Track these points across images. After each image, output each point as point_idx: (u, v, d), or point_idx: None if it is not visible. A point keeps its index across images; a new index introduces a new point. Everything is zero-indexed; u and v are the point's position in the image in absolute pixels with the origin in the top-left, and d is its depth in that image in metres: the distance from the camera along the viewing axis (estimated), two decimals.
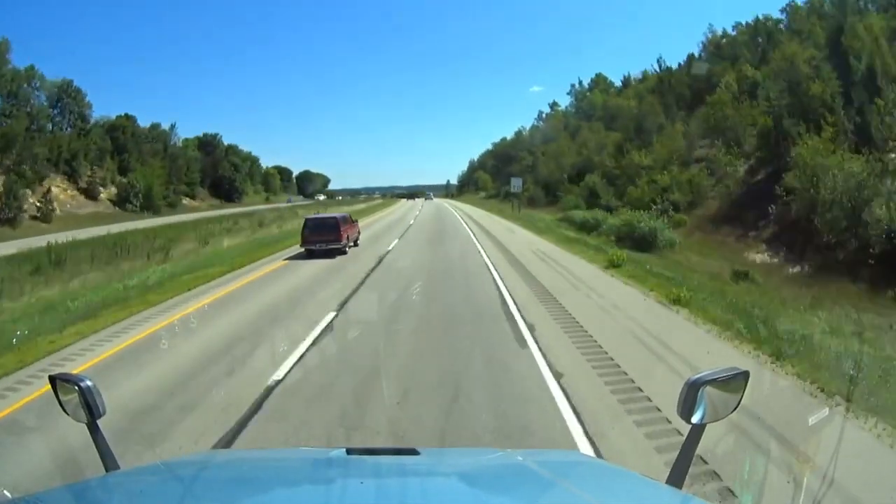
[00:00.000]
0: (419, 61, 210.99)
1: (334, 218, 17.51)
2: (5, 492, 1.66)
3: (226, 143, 79.98)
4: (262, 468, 1.55)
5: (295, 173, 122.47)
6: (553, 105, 70.39)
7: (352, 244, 18.09)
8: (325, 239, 16.41)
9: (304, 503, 1.21)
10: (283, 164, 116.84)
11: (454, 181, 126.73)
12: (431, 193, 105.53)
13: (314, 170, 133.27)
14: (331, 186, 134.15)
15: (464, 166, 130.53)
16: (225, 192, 72.95)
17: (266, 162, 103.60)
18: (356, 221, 20.50)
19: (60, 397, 1.54)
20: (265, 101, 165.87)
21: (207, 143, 76.75)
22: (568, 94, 62.90)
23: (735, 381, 1.41)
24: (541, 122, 71.03)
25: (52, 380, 1.57)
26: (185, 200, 61.04)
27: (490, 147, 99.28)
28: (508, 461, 1.66)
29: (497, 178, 76.51)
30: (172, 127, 65.38)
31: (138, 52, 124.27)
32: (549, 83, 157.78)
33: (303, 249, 16.61)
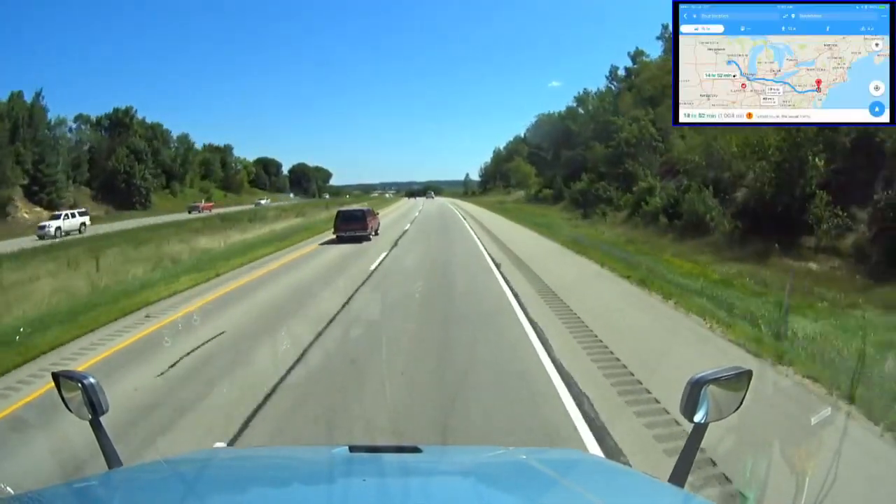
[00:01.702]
0: (435, 56, 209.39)
1: (362, 211, 21.31)
2: (8, 488, 1.66)
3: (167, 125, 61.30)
4: (264, 466, 1.56)
5: (288, 167, 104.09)
6: (637, 55, 44.32)
7: (373, 233, 20.89)
8: (353, 227, 19.56)
9: (307, 501, 1.21)
10: (273, 157, 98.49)
11: (475, 176, 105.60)
12: (432, 192, 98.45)
13: (319, 164, 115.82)
14: (341, 182, 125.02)
15: (485, 160, 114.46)
16: (121, 193, 49.22)
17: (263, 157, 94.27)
18: (377, 214, 24.46)
19: (63, 395, 1.53)
20: (269, 96, 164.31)
21: (118, 123, 52.49)
22: (658, 38, 40.35)
23: (738, 380, 1.41)
24: (614, 83, 46.38)
25: (56, 377, 1.56)
26: (27, 211, 39.19)
27: (532, 123, 69.28)
28: (511, 459, 1.66)
29: (548, 169, 51.95)
30: (37, 96, 44.14)
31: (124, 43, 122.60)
32: (569, 78, 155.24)
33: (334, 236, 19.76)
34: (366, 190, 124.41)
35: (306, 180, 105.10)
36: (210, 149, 77.08)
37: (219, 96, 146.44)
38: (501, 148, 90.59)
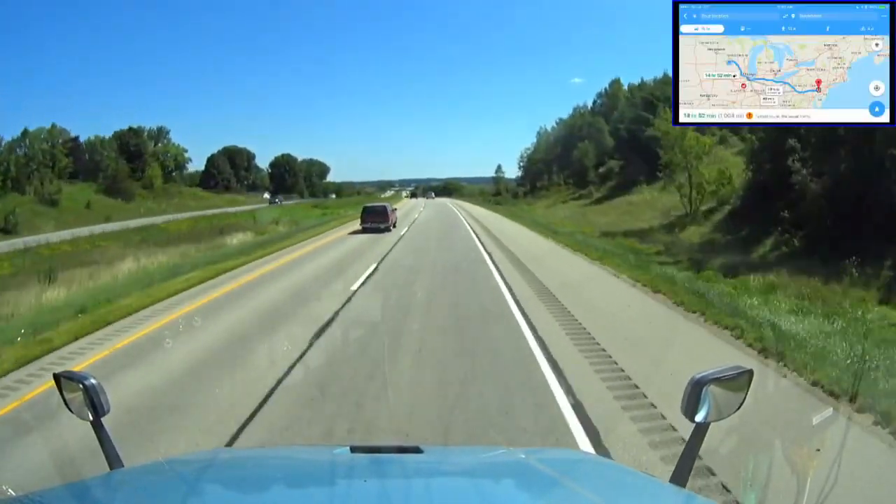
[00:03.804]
0: (453, 52, 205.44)
1: (383, 206, 25.52)
2: (9, 490, 1.67)
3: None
4: (265, 466, 1.56)
5: (269, 160, 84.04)
6: None
7: (392, 226, 24.78)
8: (376, 220, 23.93)
9: (308, 502, 1.22)
10: (243, 147, 77.41)
11: (511, 169, 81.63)
12: (432, 192, 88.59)
13: (314, 157, 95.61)
14: (353, 179, 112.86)
15: (512, 154, 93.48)
16: None
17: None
18: (396, 209, 28.79)
19: (65, 395, 1.53)
20: (268, 92, 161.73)
21: None
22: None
23: (739, 380, 1.41)
24: None
25: (57, 378, 1.57)
26: None
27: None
28: (511, 459, 1.66)
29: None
30: None
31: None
32: (590, 74, 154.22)
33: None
34: (382, 187, 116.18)
35: (292, 176, 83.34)
36: (120, 135, 56.73)
37: (218, 96, 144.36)
38: (548, 128, 63.78)
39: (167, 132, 62.26)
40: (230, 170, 73.37)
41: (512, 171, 79.97)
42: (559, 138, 56.85)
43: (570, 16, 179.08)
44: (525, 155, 65.85)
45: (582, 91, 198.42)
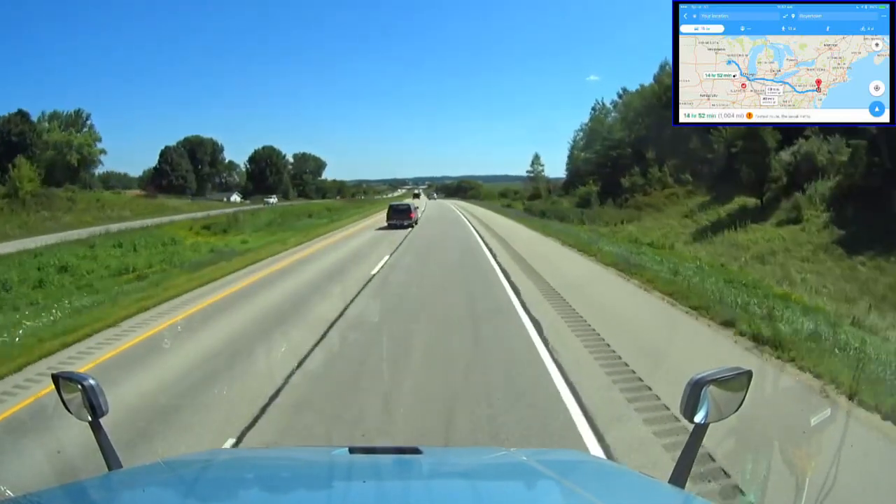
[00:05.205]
0: (468, 51, 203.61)
1: (406, 205, 29.03)
2: (8, 491, 1.66)
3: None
4: (264, 468, 1.56)
5: (248, 154, 67.79)
6: None
7: (415, 223, 27.57)
8: (401, 217, 27.04)
9: (306, 503, 1.21)
10: (209, 137, 62.57)
11: (555, 165, 63.81)
12: (434, 193, 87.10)
13: (307, 151, 77.69)
14: (363, 176, 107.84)
15: (529, 152, 79.02)
16: None
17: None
18: (417, 208, 31.67)
19: (63, 396, 1.53)
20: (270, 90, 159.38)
21: None
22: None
23: (738, 381, 1.40)
24: None
25: (55, 378, 1.56)
26: None
27: None
28: (511, 460, 1.66)
29: None
30: None
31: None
32: (607, 73, 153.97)
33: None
34: (394, 185, 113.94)
35: (275, 173, 67.46)
36: (5, 120, 41.19)
37: (214, 93, 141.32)
38: (607, 103, 43.74)
39: (87, 117, 44.94)
40: (189, 165, 58.28)
41: (554, 168, 59.39)
42: (641, 111, 35.17)
43: (582, 14, 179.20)
44: (579, 140, 42.79)
45: (599, 88, 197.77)
